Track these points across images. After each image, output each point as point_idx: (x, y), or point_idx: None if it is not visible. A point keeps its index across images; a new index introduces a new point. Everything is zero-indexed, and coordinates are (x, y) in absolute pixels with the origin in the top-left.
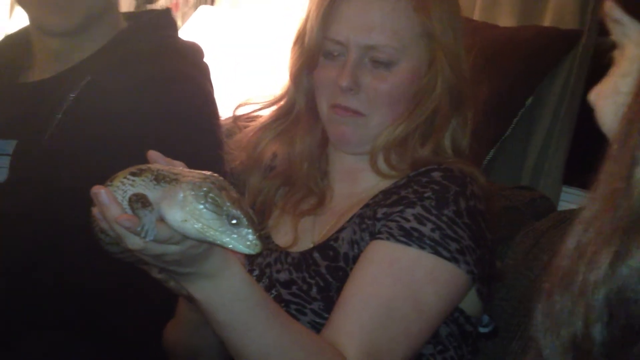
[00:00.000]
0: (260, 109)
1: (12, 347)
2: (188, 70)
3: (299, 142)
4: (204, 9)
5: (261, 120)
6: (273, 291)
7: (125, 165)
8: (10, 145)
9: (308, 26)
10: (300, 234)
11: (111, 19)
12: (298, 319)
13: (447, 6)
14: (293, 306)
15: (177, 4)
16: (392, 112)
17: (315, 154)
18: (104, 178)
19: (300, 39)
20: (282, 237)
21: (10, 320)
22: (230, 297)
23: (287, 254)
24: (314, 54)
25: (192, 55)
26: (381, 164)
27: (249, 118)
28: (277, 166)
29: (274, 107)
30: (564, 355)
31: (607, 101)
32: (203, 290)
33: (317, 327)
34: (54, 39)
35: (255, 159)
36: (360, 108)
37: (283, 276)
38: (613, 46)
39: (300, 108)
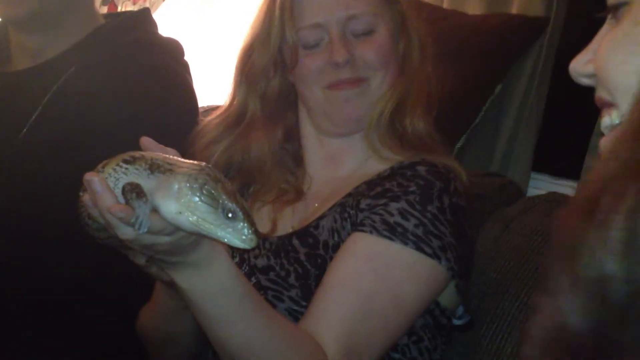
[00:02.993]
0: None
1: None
2: (170, 64)
3: (256, 147)
4: None
5: (209, 135)
6: (252, 279)
7: (107, 157)
8: None
9: (274, 25)
10: (278, 219)
11: (87, 15)
12: (275, 306)
13: None
14: (270, 292)
15: None
16: (388, 73)
17: (279, 155)
18: (85, 169)
19: (258, 42)
20: (260, 226)
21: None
22: (216, 289)
23: (266, 239)
24: (292, 48)
25: (173, 51)
26: (375, 140)
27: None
28: (232, 173)
29: (222, 117)
30: (583, 289)
31: (617, 51)
32: (189, 280)
33: (294, 315)
34: (25, 34)
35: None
36: (361, 73)
37: (261, 262)
38: (604, 6)
39: (255, 112)
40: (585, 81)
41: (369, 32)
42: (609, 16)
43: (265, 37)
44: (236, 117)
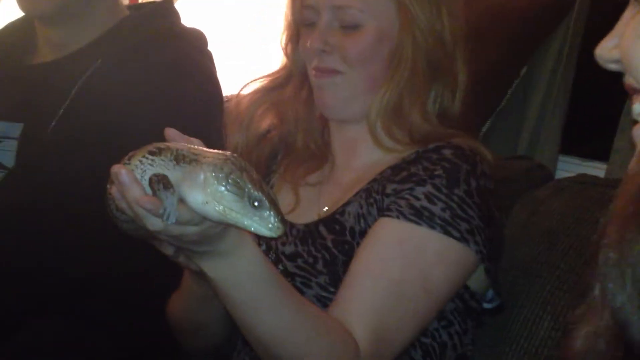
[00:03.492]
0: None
1: (15, 334)
2: (195, 55)
3: (292, 110)
4: None
5: (255, 89)
6: (280, 266)
7: (133, 149)
8: (17, 129)
9: (288, 1)
10: (304, 204)
11: (111, 6)
12: (303, 292)
13: None
14: (298, 279)
15: None
16: (365, 71)
17: (312, 121)
18: (112, 163)
19: (284, 17)
20: (285, 205)
21: (14, 308)
22: (244, 276)
23: (292, 225)
24: (293, 25)
25: (196, 41)
26: (382, 136)
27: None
28: (270, 134)
29: (268, 79)
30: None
31: None
32: (218, 269)
33: (322, 301)
34: (50, 27)
35: (247, 125)
36: (336, 66)
37: (289, 249)
38: None
39: (296, 78)
40: (613, 67)
41: (354, 27)
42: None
43: (285, 11)
44: (282, 80)
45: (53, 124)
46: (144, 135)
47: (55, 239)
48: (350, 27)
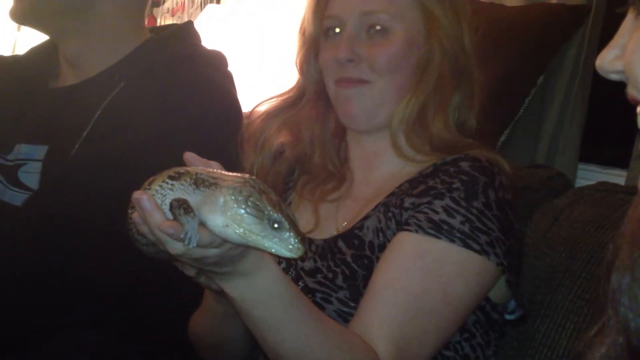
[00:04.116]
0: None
1: (42, 347)
2: (215, 77)
3: (307, 130)
4: (211, 8)
5: (267, 109)
6: (300, 282)
7: (156, 171)
8: (41, 151)
9: (307, 13)
10: (323, 220)
11: (133, 29)
12: (324, 308)
13: None
14: (319, 295)
15: (183, 5)
16: (394, 81)
17: (329, 141)
18: (134, 185)
19: (302, 28)
20: (304, 223)
21: (41, 320)
22: (265, 295)
23: (311, 241)
24: (314, 37)
25: (217, 63)
26: (403, 144)
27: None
28: (285, 152)
29: (282, 97)
30: None
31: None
32: (239, 288)
33: (343, 316)
34: (64, 45)
35: (262, 146)
36: (364, 76)
37: (308, 265)
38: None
39: (310, 97)
40: (614, 77)
41: (383, 33)
42: (632, 9)
43: (303, 23)
44: (294, 99)
45: (77, 146)
46: (165, 156)
47: (79, 259)
48: (379, 35)
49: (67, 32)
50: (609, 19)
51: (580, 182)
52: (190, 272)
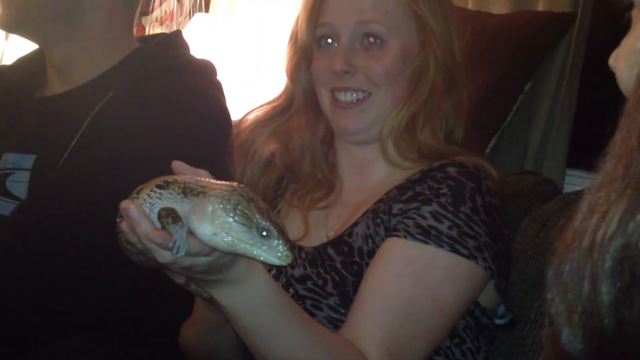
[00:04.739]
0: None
1: (38, 354)
2: (205, 86)
3: (298, 138)
4: (199, 16)
5: (256, 118)
6: (291, 290)
7: (145, 180)
8: (29, 160)
9: (299, 21)
10: (312, 227)
11: (121, 38)
12: (314, 315)
13: None
14: (309, 301)
15: (171, 14)
16: (391, 92)
17: (318, 148)
18: (123, 194)
19: (293, 36)
20: (293, 231)
21: (31, 329)
22: (255, 303)
23: (301, 249)
24: (306, 46)
25: (206, 72)
26: (391, 152)
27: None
28: (275, 161)
29: (270, 105)
30: (570, 319)
31: (627, 62)
32: (229, 296)
33: (333, 322)
34: (54, 56)
35: (252, 155)
36: (362, 87)
37: (298, 272)
38: (631, 5)
39: (299, 105)
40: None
41: (379, 45)
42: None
43: (295, 32)
44: (283, 107)
45: (65, 155)
46: (153, 166)
47: (67, 269)
48: (374, 47)
49: (55, 39)
50: (595, 26)
51: (568, 188)
52: (180, 280)
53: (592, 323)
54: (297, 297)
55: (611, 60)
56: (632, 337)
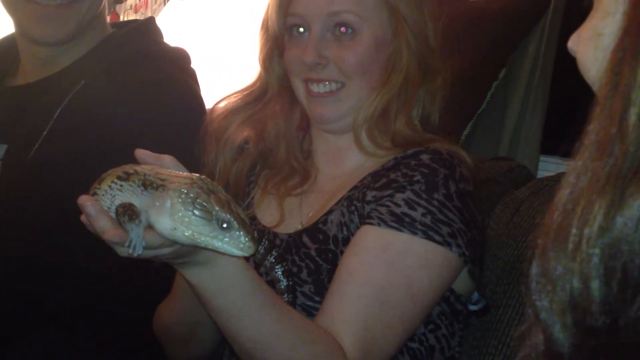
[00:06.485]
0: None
1: (11, 346)
2: (177, 74)
3: (273, 125)
4: (173, 3)
5: (229, 105)
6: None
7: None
8: (1, 150)
9: (269, 9)
10: (287, 214)
11: (99, 26)
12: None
13: None
14: None
15: (146, 1)
16: (366, 82)
17: (293, 135)
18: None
19: (264, 24)
20: (268, 217)
21: (10, 318)
22: (225, 283)
23: (276, 236)
24: (277, 35)
25: (180, 60)
26: (365, 141)
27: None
28: (249, 147)
29: (244, 92)
30: (561, 316)
31: (588, 45)
32: (198, 276)
33: (308, 310)
34: (43, 47)
35: (225, 142)
36: (333, 77)
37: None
38: None
39: (274, 92)
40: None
41: (351, 35)
42: None
43: (266, 20)
44: (257, 95)
45: (37, 145)
46: (125, 154)
47: (38, 259)
48: (346, 37)
49: (69, 39)
50: (568, 12)
51: (542, 174)
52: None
53: (584, 323)
54: (272, 284)
55: (570, 44)
56: (626, 336)
